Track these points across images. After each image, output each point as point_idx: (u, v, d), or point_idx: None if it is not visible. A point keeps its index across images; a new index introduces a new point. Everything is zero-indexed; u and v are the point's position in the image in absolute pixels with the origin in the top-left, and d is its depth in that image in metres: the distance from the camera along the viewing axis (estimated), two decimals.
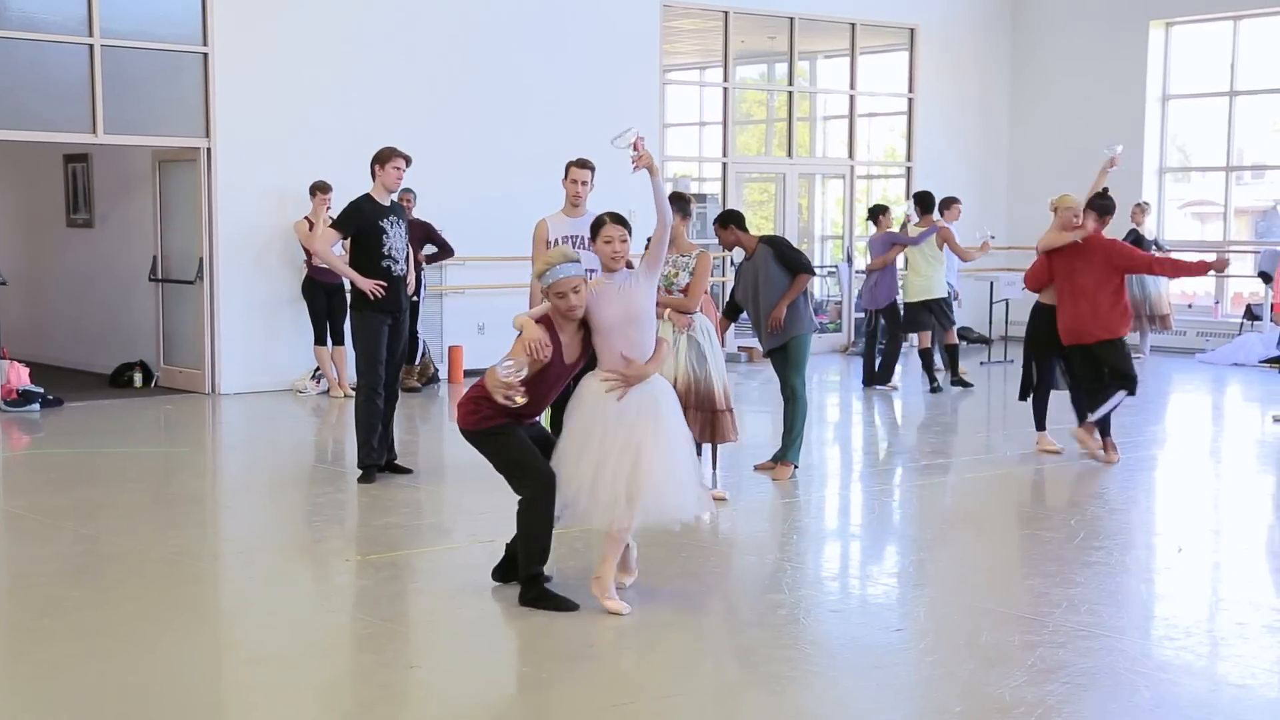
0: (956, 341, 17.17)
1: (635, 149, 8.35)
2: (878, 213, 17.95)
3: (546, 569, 7.88)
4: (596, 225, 8.21)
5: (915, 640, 7.58)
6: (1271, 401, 15.46)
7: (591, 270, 10.55)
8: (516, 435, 7.80)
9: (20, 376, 15.44)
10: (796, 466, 11.43)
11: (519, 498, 7.78)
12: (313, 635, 7.69)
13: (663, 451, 7.69)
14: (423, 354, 16.59)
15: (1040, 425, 12.56)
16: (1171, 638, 7.68)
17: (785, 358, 11.31)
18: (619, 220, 8.26)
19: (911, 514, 10.59)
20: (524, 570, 7.82)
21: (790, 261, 11.14)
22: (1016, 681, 6.75)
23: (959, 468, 12.24)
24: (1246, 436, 13.76)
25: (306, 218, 15.97)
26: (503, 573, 8.17)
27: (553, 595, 7.80)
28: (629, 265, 8.34)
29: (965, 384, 16.77)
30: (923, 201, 16.97)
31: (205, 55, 16.24)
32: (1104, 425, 11.72)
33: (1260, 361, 18.94)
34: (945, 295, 16.81)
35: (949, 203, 17.45)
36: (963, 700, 6.55)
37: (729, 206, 20.68)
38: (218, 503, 11.40)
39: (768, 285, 11.15)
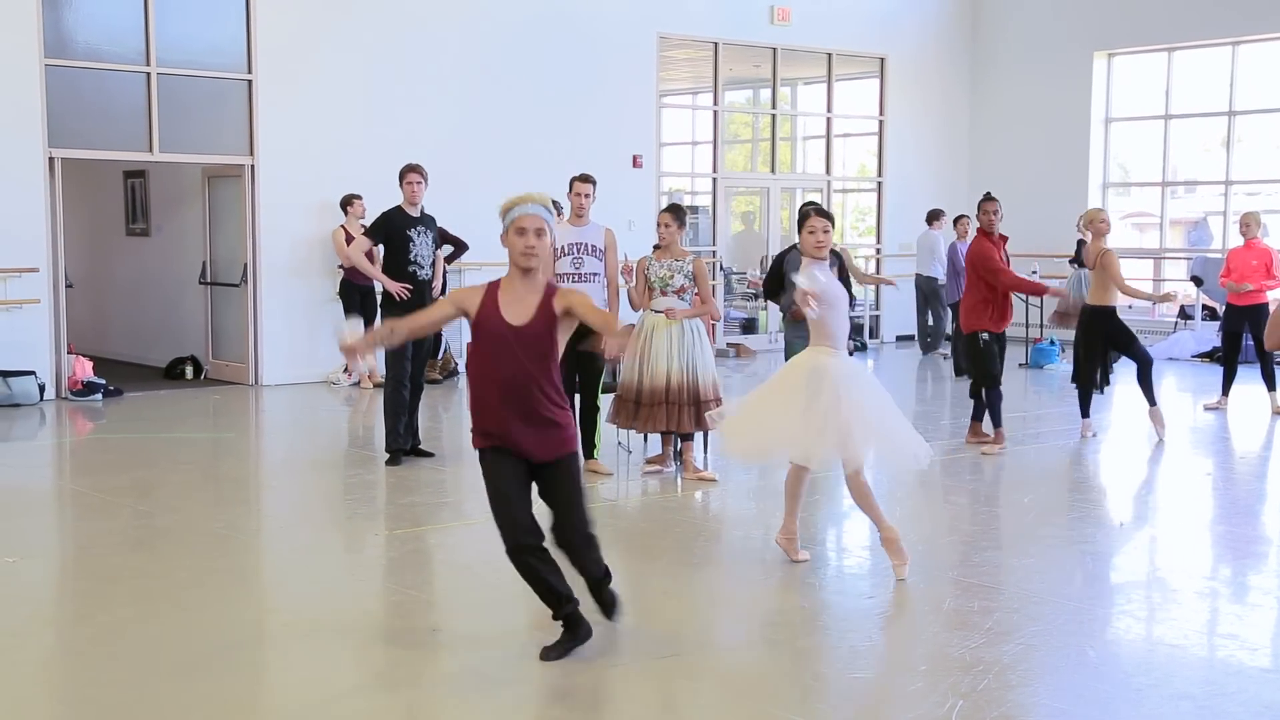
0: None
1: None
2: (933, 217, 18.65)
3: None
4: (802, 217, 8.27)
5: (884, 607, 7.61)
6: (1202, 392, 15.48)
7: (590, 246, 10.72)
8: (496, 469, 6.41)
9: (85, 369, 15.48)
10: None
11: None
12: (345, 601, 7.70)
13: (881, 408, 7.89)
14: (444, 349, 16.59)
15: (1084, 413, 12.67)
16: (1113, 604, 7.70)
17: None
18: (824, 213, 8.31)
19: (884, 493, 10.59)
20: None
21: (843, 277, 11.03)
22: (975, 643, 6.77)
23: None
24: (1182, 423, 13.74)
25: (343, 227, 15.98)
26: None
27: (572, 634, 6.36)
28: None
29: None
30: None
31: (249, 82, 16.25)
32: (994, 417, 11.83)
33: (1192, 356, 18.97)
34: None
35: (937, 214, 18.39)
36: (927, 660, 6.57)
37: (717, 218, 20.78)
38: (260, 482, 11.42)
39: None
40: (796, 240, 10.91)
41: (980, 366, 11.91)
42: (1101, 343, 12.49)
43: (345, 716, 5.89)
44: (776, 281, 10.81)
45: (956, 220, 17.81)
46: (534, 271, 6.23)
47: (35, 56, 14.94)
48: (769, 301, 12.08)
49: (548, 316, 6.21)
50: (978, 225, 11.97)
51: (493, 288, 6.27)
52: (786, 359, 10.74)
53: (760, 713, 5.92)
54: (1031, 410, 12.34)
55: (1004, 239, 12.02)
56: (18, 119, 14.82)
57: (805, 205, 8.39)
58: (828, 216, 8.23)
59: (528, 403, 6.23)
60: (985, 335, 11.70)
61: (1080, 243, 17.12)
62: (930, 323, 19.73)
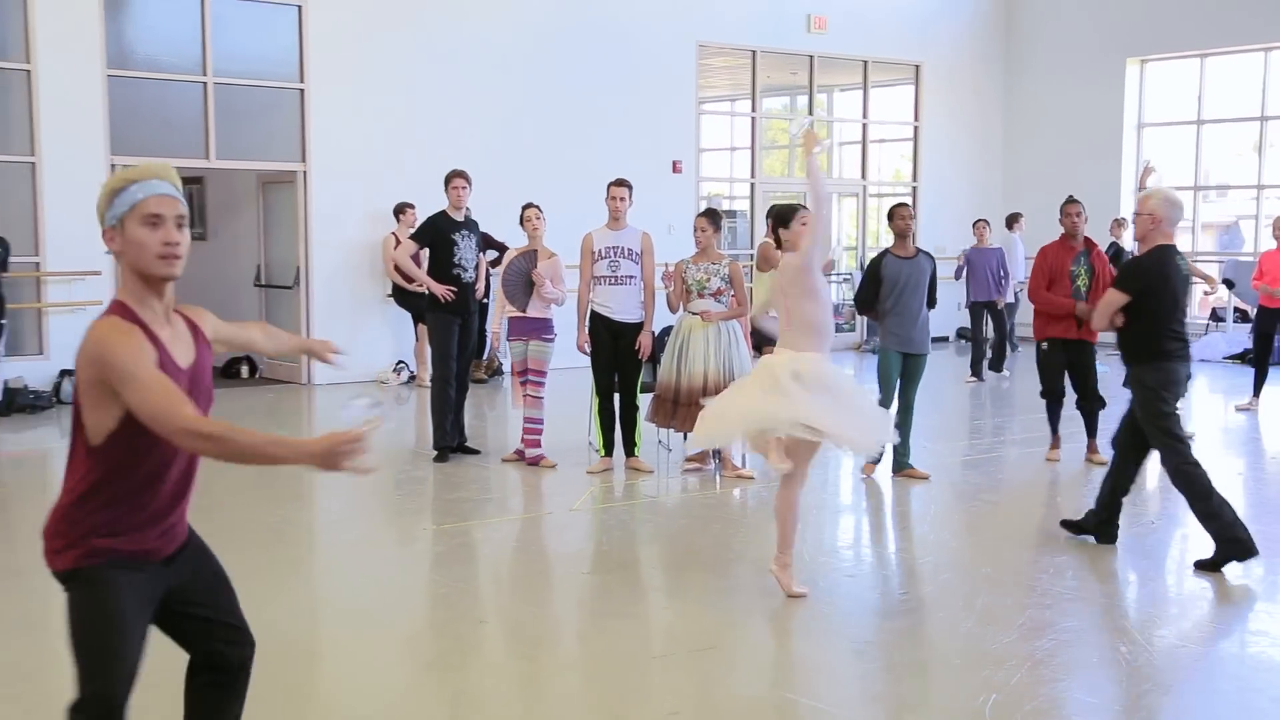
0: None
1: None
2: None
3: None
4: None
5: (920, 602, 7.61)
6: (1234, 393, 15.38)
7: (627, 249, 10.72)
8: (123, 592, 4.00)
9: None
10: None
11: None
12: (395, 592, 7.76)
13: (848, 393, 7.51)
14: (489, 350, 16.65)
15: None
16: (1144, 601, 7.69)
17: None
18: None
19: (919, 492, 10.57)
20: None
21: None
22: (1009, 638, 6.76)
23: (960, 451, 12.23)
24: (1214, 424, 13.71)
25: (394, 234, 16.04)
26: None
27: None
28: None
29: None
30: None
31: (301, 91, 16.34)
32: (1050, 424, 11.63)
33: (1224, 358, 18.88)
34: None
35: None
36: (962, 655, 6.57)
37: (755, 223, 20.73)
38: (314, 478, 11.46)
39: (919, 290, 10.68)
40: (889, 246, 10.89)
41: (1040, 374, 11.43)
42: None
43: (395, 703, 5.93)
44: (873, 290, 10.67)
45: (975, 224, 17.60)
46: (169, 285, 3.98)
47: (98, 68, 15.06)
48: (864, 313, 11.54)
49: (207, 349, 4.27)
50: (1063, 230, 11.28)
51: (132, 316, 3.90)
52: (878, 367, 10.69)
53: (796, 703, 5.93)
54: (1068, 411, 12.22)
55: (1091, 244, 11.37)
56: (82, 128, 14.96)
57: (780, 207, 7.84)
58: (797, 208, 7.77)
59: (189, 483, 4.42)
60: (1045, 344, 11.25)
61: (1113, 245, 17.05)
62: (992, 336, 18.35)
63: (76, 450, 3.99)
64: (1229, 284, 19.12)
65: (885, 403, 10.35)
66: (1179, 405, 8.40)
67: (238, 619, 4.46)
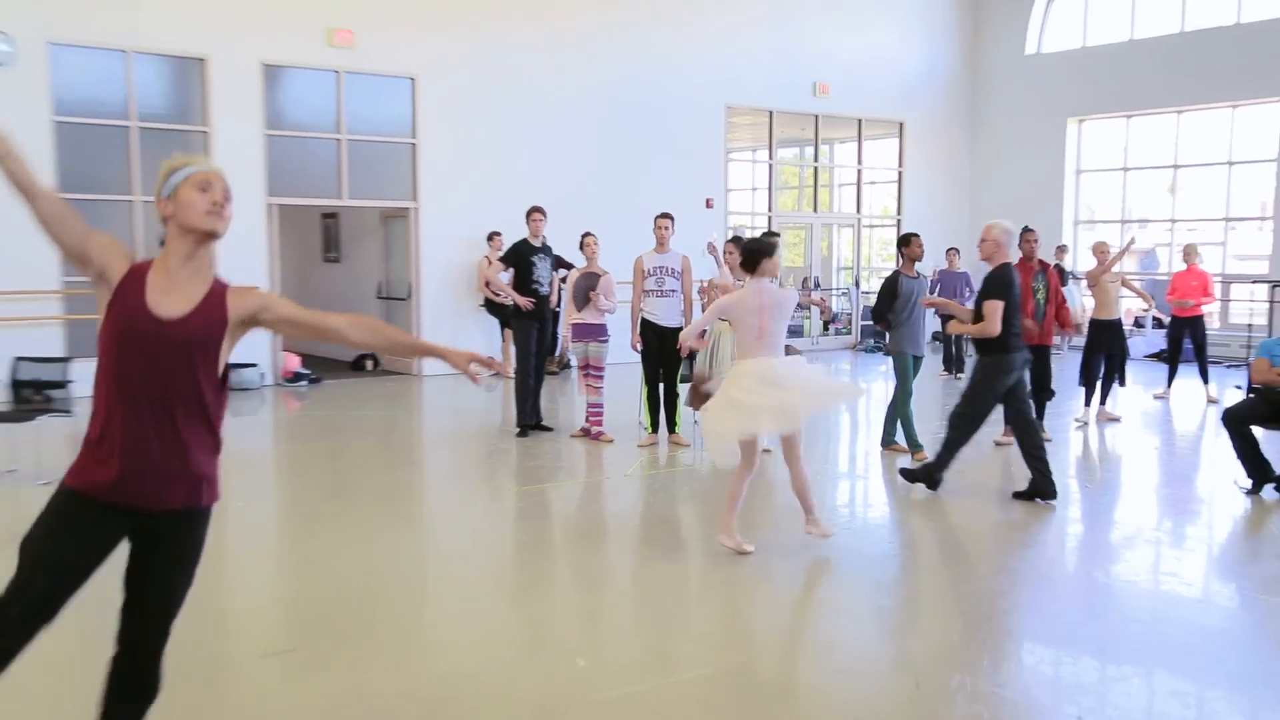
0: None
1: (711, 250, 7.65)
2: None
3: None
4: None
5: (903, 550, 7.60)
6: (1152, 384, 15.29)
7: (671, 269, 10.71)
8: (63, 516, 3.44)
9: (294, 363, 15.73)
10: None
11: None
12: (487, 539, 7.80)
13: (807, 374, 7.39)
14: (560, 349, 16.69)
15: (1088, 402, 12.74)
16: (1080, 550, 7.65)
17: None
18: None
19: (903, 463, 10.55)
20: None
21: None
22: (974, 578, 6.76)
23: (933, 431, 12.19)
24: (1137, 408, 13.62)
25: (486, 256, 16.09)
26: None
27: None
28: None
29: None
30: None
31: (414, 145, 16.38)
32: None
33: (1145, 356, 18.74)
34: None
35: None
36: (936, 591, 6.58)
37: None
38: (423, 449, 11.54)
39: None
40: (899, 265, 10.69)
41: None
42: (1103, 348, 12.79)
43: (486, 627, 5.96)
44: (889, 303, 10.47)
45: (947, 251, 17.42)
46: (208, 244, 3.54)
47: (259, 129, 15.17)
48: (879, 325, 10.95)
49: (215, 315, 3.54)
50: (1022, 253, 11.01)
51: (140, 266, 3.50)
52: (896, 366, 10.44)
53: (804, 628, 5.93)
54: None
55: (1045, 265, 11.26)
56: (247, 175, 15.03)
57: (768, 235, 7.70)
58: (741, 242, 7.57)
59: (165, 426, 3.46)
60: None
61: (1057, 266, 16.95)
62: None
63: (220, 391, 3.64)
64: (1146, 302, 18.98)
65: (907, 395, 10.27)
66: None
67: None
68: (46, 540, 3.44)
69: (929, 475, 8.95)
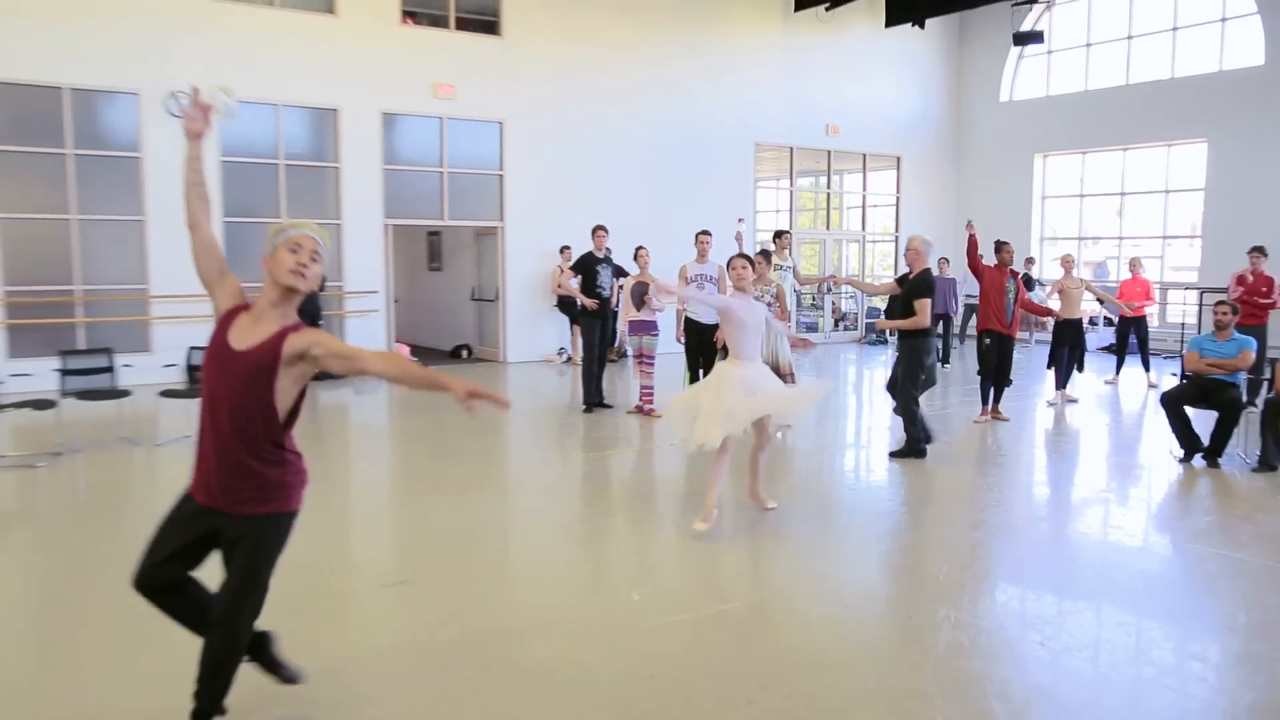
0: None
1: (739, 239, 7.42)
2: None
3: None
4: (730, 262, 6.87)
5: (898, 507, 7.54)
6: (1104, 371, 15.12)
7: (709, 276, 10.59)
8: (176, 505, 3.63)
9: (405, 351, 15.75)
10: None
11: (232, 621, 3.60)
12: (561, 494, 7.81)
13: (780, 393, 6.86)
14: (618, 341, 16.70)
15: (1058, 386, 12.56)
16: (1042, 506, 7.56)
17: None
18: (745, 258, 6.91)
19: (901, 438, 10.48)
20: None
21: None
22: (956, 529, 6.70)
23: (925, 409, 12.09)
24: (1090, 391, 13.44)
25: (558, 266, 16.15)
26: None
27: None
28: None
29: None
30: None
31: (501, 176, 16.41)
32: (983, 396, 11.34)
33: (1097, 349, 18.48)
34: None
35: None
36: (923, 540, 6.53)
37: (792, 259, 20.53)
38: (507, 422, 11.57)
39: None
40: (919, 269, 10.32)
41: (979, 361, 11.17)
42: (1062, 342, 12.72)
43: (556, 566, 5.98)
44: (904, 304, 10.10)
45: (939, 261, 17.15)
46: (293, 296, 3.54)
47: (379, 164, 15.26)
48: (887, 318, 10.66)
49: (272, 350, 3.45)
50: (999, 261, 10.99)
51: (239, 307, 3.58)
52: (909, 361, 9.80)
53: (819, 570, 5.91)
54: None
55: (1015, 274, 11.01)
56: (369, 202, 15.17)
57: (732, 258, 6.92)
58: (748, 259, 6.92)
59: (228, 442, 3.48)
60: (986, 339, 11.02)
61: (1026, 275, 16.72)
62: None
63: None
64: (1101, 301, 18.74)
65: (930, 381, 9.76)
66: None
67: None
68: (163, 523, 3.63)
69: (914, 449, 8.98)
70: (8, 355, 12.77)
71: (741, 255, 6.91)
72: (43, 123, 13.16)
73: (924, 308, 8.75)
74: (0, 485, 7.97)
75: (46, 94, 13.15)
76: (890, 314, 9.18)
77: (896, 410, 9.22)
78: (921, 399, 9.66)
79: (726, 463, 6.71)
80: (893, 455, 9.09)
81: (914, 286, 8.84)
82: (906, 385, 9.04)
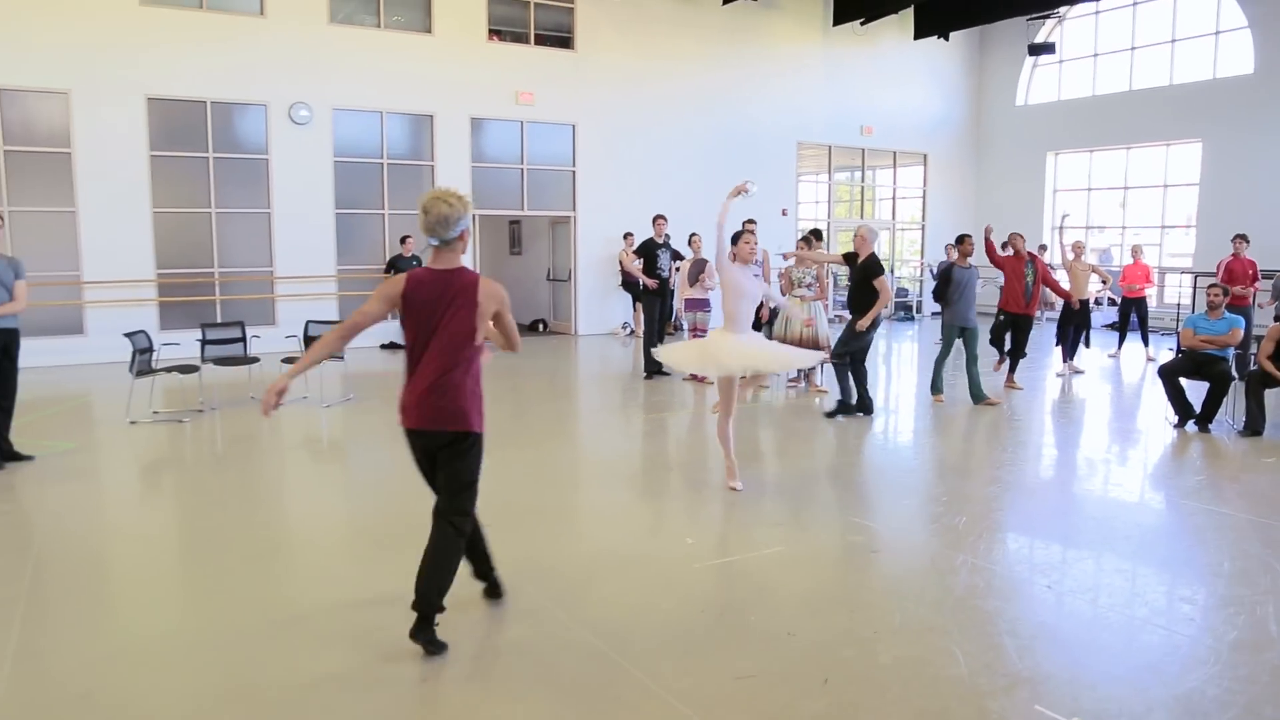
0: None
1: (747, 191, 6.56)
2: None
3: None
4: (737, 234, 6.54)
5: (921, 466, 7.45)
6: (1107, 346, 14.80)
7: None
8: None
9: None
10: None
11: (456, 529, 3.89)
12: (624, 450, 7.82)
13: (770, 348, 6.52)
14: (675, 316, 16.67)
15: (1065, 359, 12.33)
16: (1051, 465, 7.44)
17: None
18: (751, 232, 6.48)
19: (926, 407, 10.36)
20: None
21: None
22: (974, 485, 6.62)
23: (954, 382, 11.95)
24: (1095, 364, 13.17)
25: (623, 250, 16.12)
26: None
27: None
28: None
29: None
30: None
31: (573, 172, 16.41)
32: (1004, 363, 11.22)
33: (1102, 326, 18.06)
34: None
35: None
36: (947, 495, 6.44)
37: (830, 245, 20.30)
38: (577, 386, 11.62)
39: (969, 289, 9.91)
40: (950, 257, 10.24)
41: (992, 332, 11.14)
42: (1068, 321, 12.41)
43: (619, 513, 6.00)
44: (945, 288, 9.94)
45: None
46: (442, 250, 3.85)
47: (467, 162, 15.32)
48: (938, 302, 10.10)
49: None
50: (1014, 249, 10.81)
51: (415, 272, 3.87)
52: (945, 335, 9.91)
53: (848, 519, 5.88)
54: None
55: (1033, 256, 10.77)
56: None
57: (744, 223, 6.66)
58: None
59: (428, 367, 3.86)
60: (1001, 315, 10.95)
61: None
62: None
63: (474, 348, 3.85)
64: (1104, 281, 18.31)
65: (945, 355, 9.87)
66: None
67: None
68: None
69: (846, 408, 9.05)
70: (160, 327, 13.09)
71: (749, 229, 6.51)
72: (189, 131, 13.43)
73: (883, 284, 8.76)
74: (154, 436, 8.20)
75: (194, 107, 13.41)
76: (851, 302, 9.07)
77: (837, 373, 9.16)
78: (948, 367, 9.54)
79: (730, 425, 6.41)
80: (828, 415, 9.09)
81: (867, 270, 8.86)
82: (841, 350, 9.04)
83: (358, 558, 5.13)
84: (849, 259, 9.17)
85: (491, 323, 3.99)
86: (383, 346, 14.56)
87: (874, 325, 8.96)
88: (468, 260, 15.45)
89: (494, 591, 4.43)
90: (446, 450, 3.82)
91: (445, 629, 3.95)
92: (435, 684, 3.63)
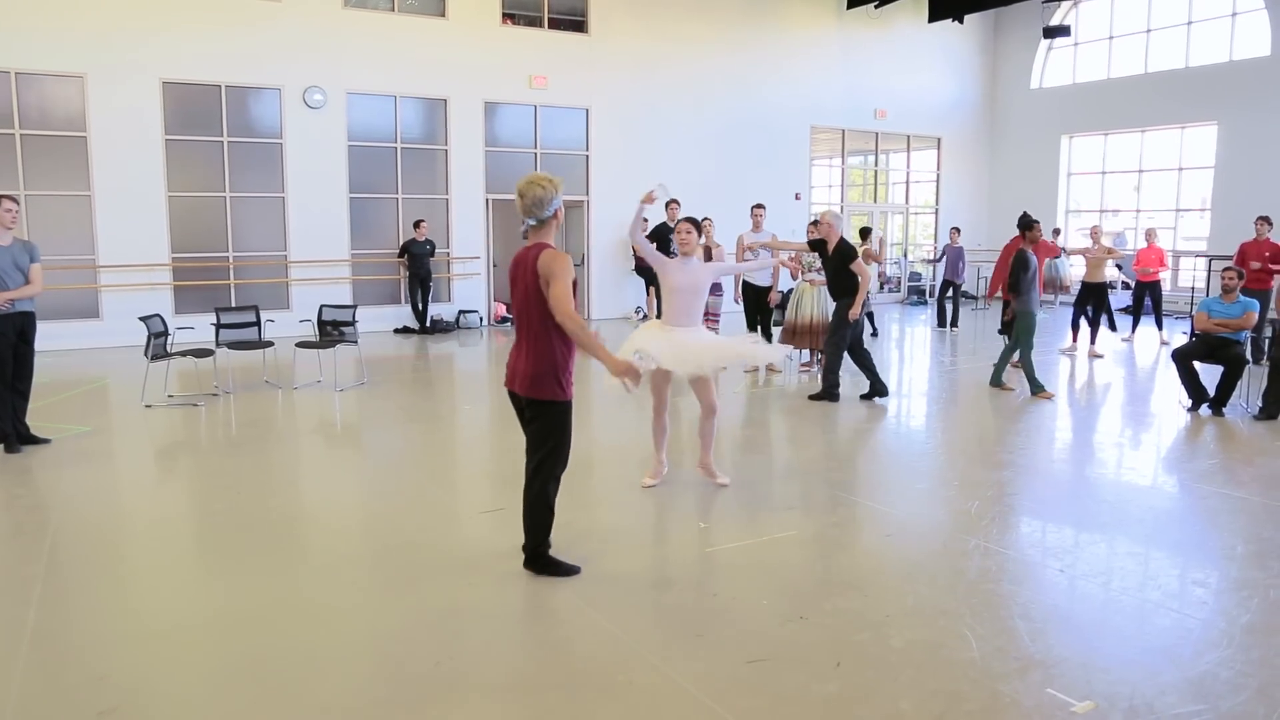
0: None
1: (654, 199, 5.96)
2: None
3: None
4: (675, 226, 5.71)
5: (933, 451, 7.41)
6: (1121, 329, 14.62)
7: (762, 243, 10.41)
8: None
9: (501, 310, 15.91)
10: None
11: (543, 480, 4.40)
12: (635, 435, 7.73)
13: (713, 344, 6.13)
14: None
15: (1074, 339, 12.33)
16: (1064, 448, 7.40)
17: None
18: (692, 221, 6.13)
19: (935, 388, 10.30)
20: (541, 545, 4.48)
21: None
22: (986, 469, 6.58)
23: (964, 367, 11.88)
24: (1111, 346, 13.06)
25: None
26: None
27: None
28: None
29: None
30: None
31: (587, 156, 16.35)
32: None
33: (1117, 309, 17.84)
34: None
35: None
36: (960, 479, 6.41)
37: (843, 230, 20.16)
38: (590, 370, 11.60)
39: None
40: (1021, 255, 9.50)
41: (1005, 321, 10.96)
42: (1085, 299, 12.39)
43: (633, 497, 5.98)
44: (1021, 272, 9.32)
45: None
46: (536, 231, 4.25)
47: (481, 147, 15.28)
48: (1013, 291, 9.39)
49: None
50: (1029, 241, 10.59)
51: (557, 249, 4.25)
52: (1022, 324, 9.35)
53: (871, 502, 5.85)
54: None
55: (1049, 245, 10.71)
56: (472, 181, 15.24)
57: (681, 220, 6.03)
58: (695, 224, 6.15)
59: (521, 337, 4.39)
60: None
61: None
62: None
63: (549, 322, 4.19)
64: (1119, 267, 18.19)
65: (1029, 348, 9.26)
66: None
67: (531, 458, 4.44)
68: None
69: (828, 393, 9.01)
70: (174, 311, 13.13)
71: (689, 219, 6.07)
72: (204, 115, 13.43)
73: (861, 267, 8.70)
74: (169, 419, 8.23)
75: (208, 91, 13.41)
76: (831, 289, 8.98)
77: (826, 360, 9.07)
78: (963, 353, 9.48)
79: (665, 421, 6.20)
80: (811, 398, 9.05)
81: (843, 255, 8.79)
82: (833, 338, 8.95)
83: (371, 542, 5.14)
84: (816, 246, 9.03)
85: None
86: (396, 331, 14.59)
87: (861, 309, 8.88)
88: (481, 243, 15.44)
89: (535, 564, 4.51)
90: (529, 411, 4.31)
91: (443, 619, 3.93)
92: (447, 668, 3.63)
